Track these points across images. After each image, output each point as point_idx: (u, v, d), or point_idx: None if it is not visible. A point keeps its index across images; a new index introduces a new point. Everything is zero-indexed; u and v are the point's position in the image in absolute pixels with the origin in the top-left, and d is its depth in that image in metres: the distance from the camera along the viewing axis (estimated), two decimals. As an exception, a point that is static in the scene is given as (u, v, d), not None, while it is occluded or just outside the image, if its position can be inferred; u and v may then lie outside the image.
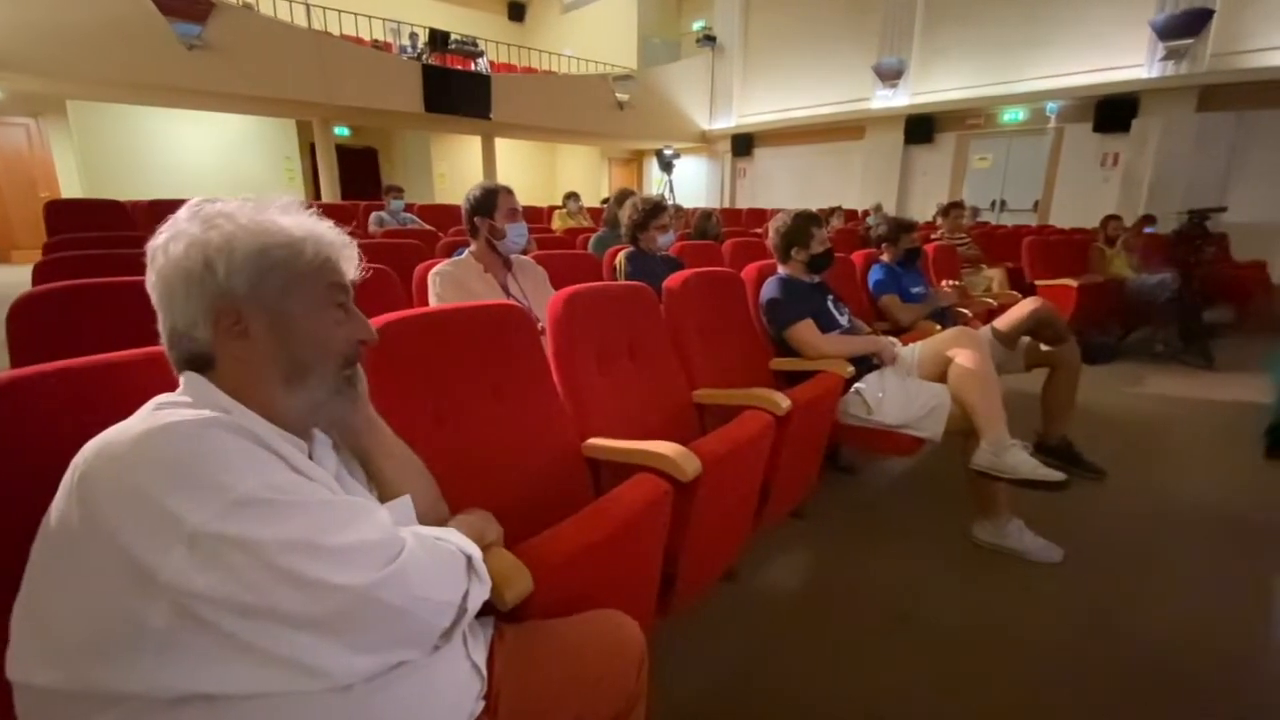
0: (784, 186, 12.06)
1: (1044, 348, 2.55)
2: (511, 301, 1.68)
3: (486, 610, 0.82)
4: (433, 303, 1.77)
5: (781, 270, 2.29)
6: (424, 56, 9.34)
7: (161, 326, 0.67)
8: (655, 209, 2.45)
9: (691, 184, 13.46)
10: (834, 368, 1.96)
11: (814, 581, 1.85)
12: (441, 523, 0.85)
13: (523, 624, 0.88)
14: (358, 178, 11.16)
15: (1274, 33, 7.14)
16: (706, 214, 4.14)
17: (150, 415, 0.57)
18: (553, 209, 6.76)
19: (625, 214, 2.50)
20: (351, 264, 0.75)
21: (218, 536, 0.51)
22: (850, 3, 10.68)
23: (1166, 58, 7.57)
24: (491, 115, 9.61)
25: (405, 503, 0.80)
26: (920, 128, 10.06)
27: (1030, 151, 9.19)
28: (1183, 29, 7.29)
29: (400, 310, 1.17)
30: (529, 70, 12.52)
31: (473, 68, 10.00)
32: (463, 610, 0.69)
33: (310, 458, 0.70)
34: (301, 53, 7.73)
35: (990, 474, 1.83)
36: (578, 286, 1.47)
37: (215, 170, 10.24)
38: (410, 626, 0.63)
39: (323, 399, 0.71)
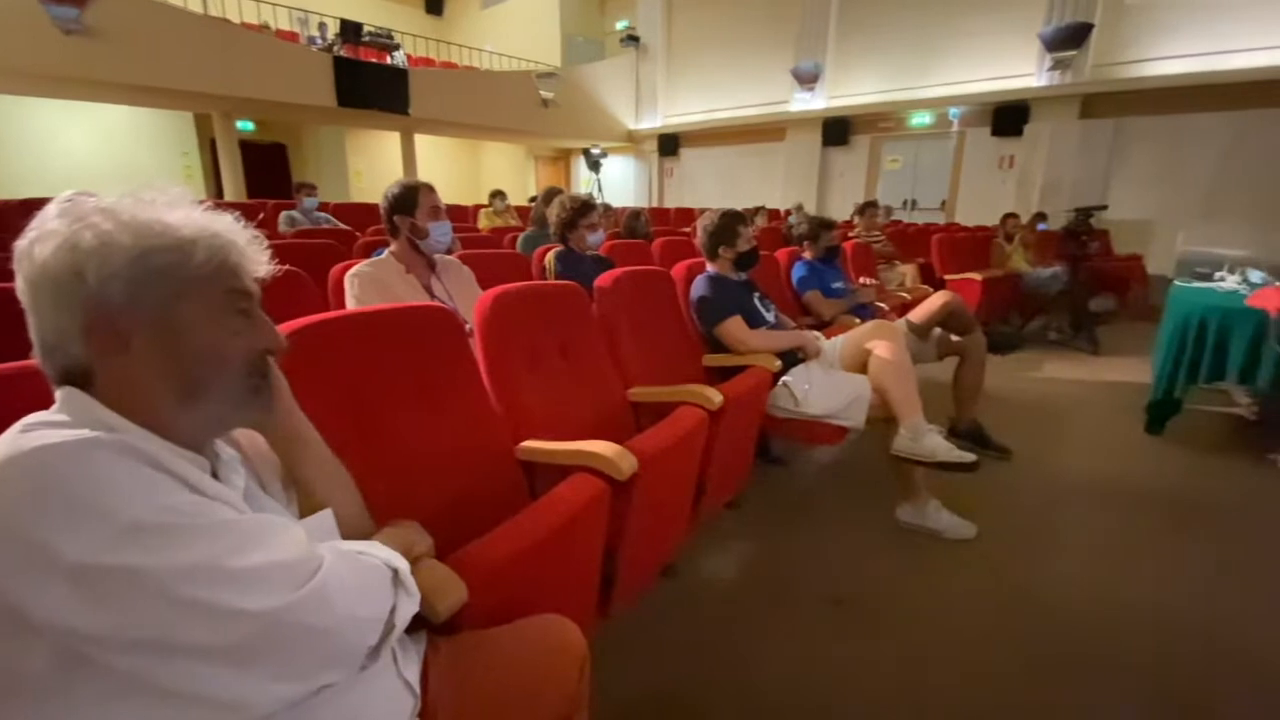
0: (710, 186, 12.29)
1: (954, 338, 2.71)
2: (437, 303, 1.62)
3: (419, 624, 0.78)
4: (351, 305, 1.68)
5: (710, 268, 2.32)
6: (335, 48, 8.88)
7: (33, 337, 0.60)
8: (584, 207, 2.43)
9: (619, 183, 13.50)
10: (762, 362, 2.01)
11: (751, 571, 1.90)
12: (367, 536, 0.81)
13: (458, 635, 0.85)
14: (265, 175, 10.48)
15: (1145, 47, 7.92)
16: (635, 213, 4.15)
17: (16, 438, 0.51)
18: (478, 207, 6.60)
19: (553, 213, 2.47)
20: (257, 264, 0.69)
21: (105, 569, 0.46)
22: (769, 7, 11.00)
23: (1054, 68, 8.23)
24: (410, 111, 9.27)
25: (325, 517, 0.75)
26: (837, 130, 10.49)
27: (937, 154, 9.78)
28: (1067, 41, 7.95)
29: (315, 314, 1.10)
30: (449, 65, 12.17)
31: (389, 61, 9.60)
32: (390, 626, 0.65)
33: (214, 475, 0.65)
34: (196, 40, 7.16)
35: (910, 458, 1.93)
36: (506, 286, 1.43)
37: (102, 167, 9.34)
38: (334, 647, 0.59)
39: (225, 413, 0.65)
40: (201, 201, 0.68)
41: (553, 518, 0.99)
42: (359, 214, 5.55)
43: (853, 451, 2.72)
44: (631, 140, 13.29)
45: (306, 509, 0.78)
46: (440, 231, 1.81)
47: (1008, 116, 8.82)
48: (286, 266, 1.96)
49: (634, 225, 4.00)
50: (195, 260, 0.62)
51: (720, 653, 1.53)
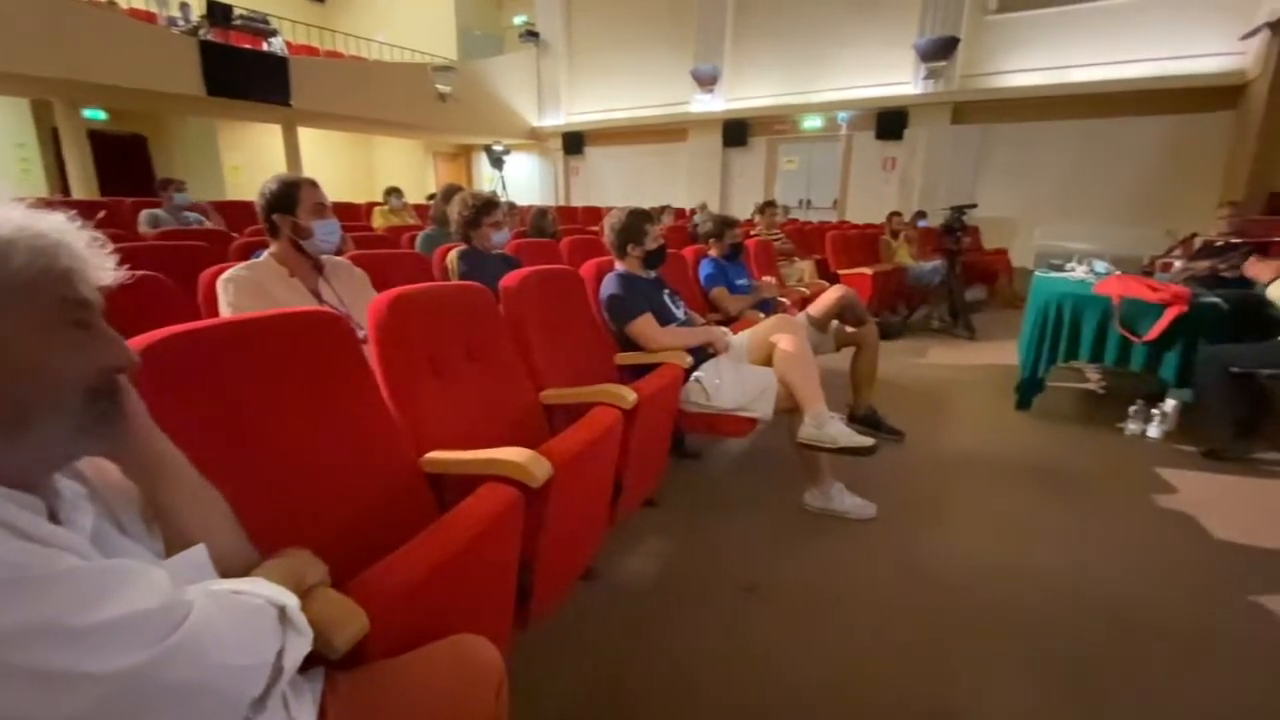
0: (616, 185, 12.33)
1: (849, 329, 2.86)
2: (325, 308, 1.50)
3: (316, 661, 0.71)
4: (225, 313, 1.52)
5: (619, 266, 2.32)
6: (201, 31, 8.10)
7: None
8: (487, 205, 2.34)
9: (524, 181, 13.25)
10: (674, 359, 2.03)
11: (671, 567, 1.90)
12: (248, 570, 0.72)
13: (361, 669, 0.78)
14: (122, 170, 9.37)
15: (1003, 60, 8.76)
16: (542, 211, 4.08)
17: None
18: (372, 205, 6.23)
19: (454, 210, 2.37)
20: (98, 269, 0.60)
21: None
22: (667, 10, 11.17)
23: (927, 77, 8.93)
24: (292, 102, 8.62)
25: (196, 554, 0.67)
26: (736, 132, 10.84)
27: (828, 155, 10.34)
28: (938, 53, 8.65)
29: (181, 324, 0.98)
30: (335, 55, 11.44)
31: (265, 47, 8.88)
32: (278, 671, 0.59)
33: (54, 518, 0.55)
34: (25, 18, 6.24)
35: (814, 445, 2.01)
36: (404, 288, 1.34)
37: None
38: (210, 703, 0.52)
39: (61, 444, 0.56)
40: (26, 199, 0.58)
41: (462, 532, 0.93)
42: (237, 213, 5.08)
43: (761, 442, 2.81)
44: (535, 138, 13.08)
45: (175, 545, 0.69)
46: (326, 230, 1.68)
47: (889, 121, 9.48)
48: (143, 272, 1.75)
49: (541, 224, 3.93)
50: (13, 265, 0.52)
51: (646, 651, 1.52)
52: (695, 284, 3.19)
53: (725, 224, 3.29)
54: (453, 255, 2.34)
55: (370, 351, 1.28)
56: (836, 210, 10.33)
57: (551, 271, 1.99)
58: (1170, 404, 2.87)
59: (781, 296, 3.44)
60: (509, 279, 1.77)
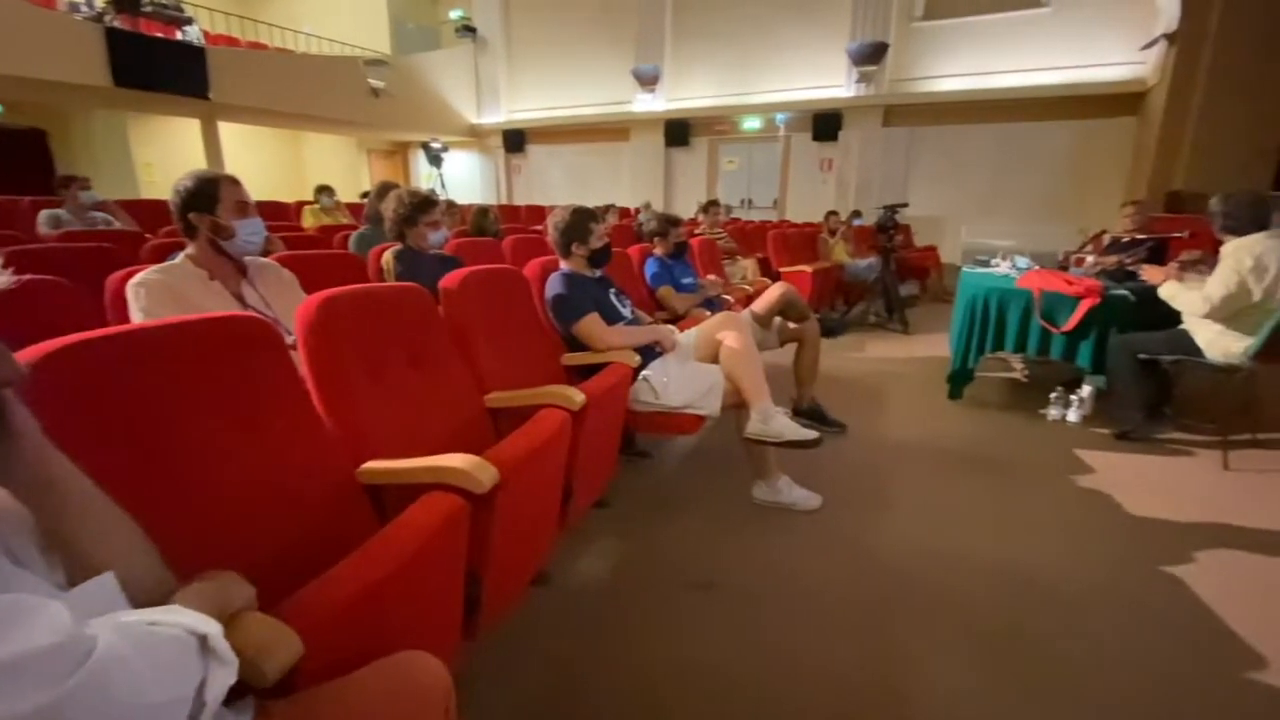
0: (560, 184, 12.23)
1: (792, 325, 2.92)
2: (249, 312, 1.41)
3: (247, 691, 0.66)
4: (137, 320, 1.41)
5: (564, 266, 2.28)
6: (107, 18, 7.53)
7: None
8: (424, 203, 2.27)
9: (464, 179, 12.97)
10: (622, 358, 2.01)
11: (624, 567, 1.89)
12: (166, 598, 0.67)
13: (296, 696, 0.73)
14: (19, 168, 8.60)
15: (929, 66, 9.17)
16: (483, 210, 3.99)
17: None
18: (302, 204, 5.95)
19: (389, 208, 2.28)
20: None
21: None
22: (606, 8, 11.15)
23: (859, 80, 9.25)
24: (211, 95, 8.14)
25: (102, 584, 0.61)
26: (678, 131, 10.93)
27: (768, 156, 10.56)
28: (869, 57, 8.97)
29: (83, 333, 0.89)
30: (258, 46, 10.86)
31: (178, 36, 8.35)
32: (200, 705, 0.54)
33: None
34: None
35: (761, 440, 2.04)
36: (335, 290, 1.28)
37: None
38: (120, 747, 0.47)
39: None
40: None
41: (402, 544, 0.89)
42: (150, 212, 4.74)
43: (709, 438, 2.84)
44: (475, 135, 12.81)
45: (79, 575, 0.63)
46: (250, 230, 1.58)
47: (825, 123, 9.77)
48: (41, 276, 1.61)
49: (482, 223, 3.84)
50: None
51: (602, 654, 1.51)
52: (642, 283, 3.19)
53: (670, 223, 3.31)
54: (388, 255, 2.25)
55: (299, 358, 1.21)
56: (777, 210, 10.57)
57: (494, 271, 1.94)
58: (1086, 390, 3.07)
59: (726, 294, 3.48)
60: (449, 279, 1.72)
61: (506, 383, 1.73)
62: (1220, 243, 2.67)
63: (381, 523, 1.15)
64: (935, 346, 4.57)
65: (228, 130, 9.75)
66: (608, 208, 7.35)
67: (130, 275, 1.50)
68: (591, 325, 2.11)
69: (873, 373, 4.07)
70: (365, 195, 5.45)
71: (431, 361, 1.51)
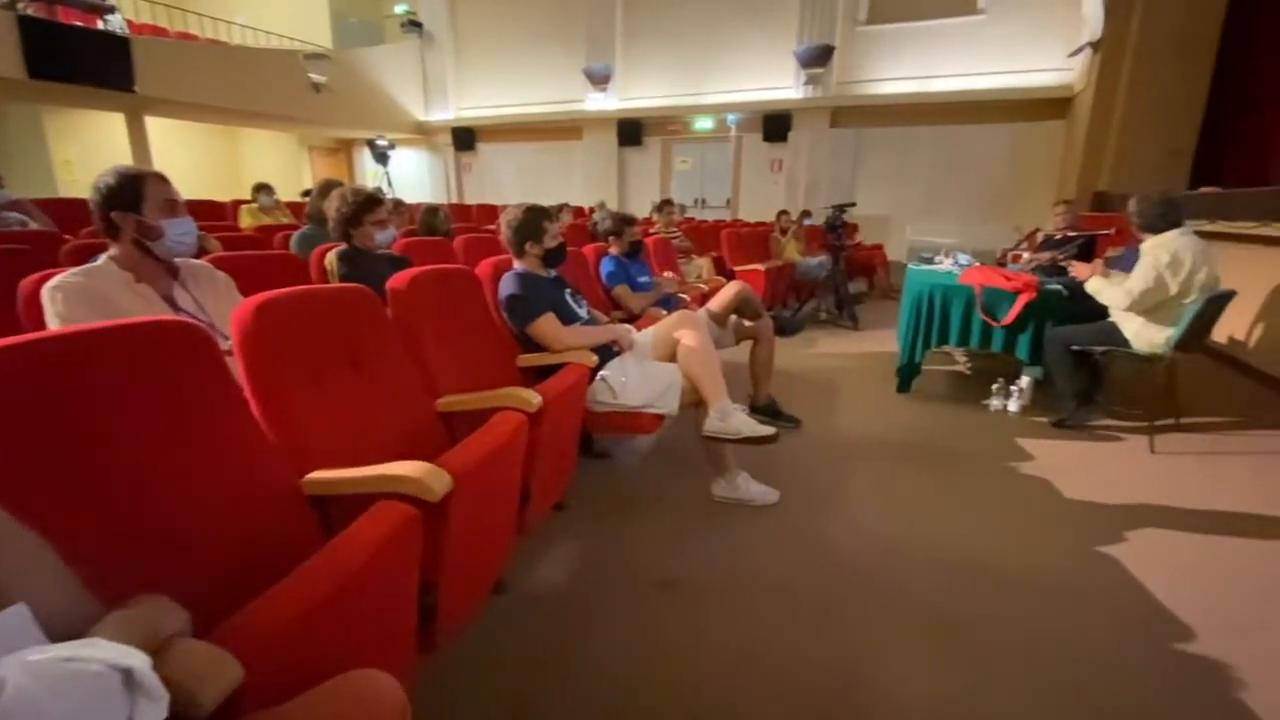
0: (512, 183, 12.07)
1: (747, 323, 2.95)
2: (181, 316, 1.33)
3: (181, 722, 0.62)
4: (54, 326, 1.31)
5: (518, 265, 2.24)
6: (20, 5, 7.01)
7: None
8: (368, 201, 2.19)
9: (413, 178, 12.66)
10: (579, 359, 1.99)
11: (584, 571, 1.87)
12: (86, 628, 0.61)
13: (237, 724, 0.69)
14: (-82, 163, 7.94)
15: (874, 69, 9.43)
16: (433, 209, 3.88)
17: None
18: (239, 203, 5.68)
19: (332, 207, 2.19)
20: None
21: None
22: (555, 6, 11.06)
23: (807, 82, 9.45)
24: (136, 88, 7.69)
25: (14, 616, 0.56)
26: (631, 131, 10.93)
27: (720, 156, 10.68)
28: (816, 60, 9.17)
29: (-13, 341, 0.82)
30: (188, 37, 10.32)
31: (99, 26, 7.85)
32: (127, 746, 0.50)
33: None
34: None
35: (719, 437, 2.05)
36: (271, 292, 1.21)
37: None
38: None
39: None
40: None
41: (349, 559, 0.85)
42: (69, 212, 4.44)
43: (669, 437, 2.84)
44: (423, 132, 12.51)
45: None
46: (180, 230, 1.49)
47: (775, 124, 9.94)
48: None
49: (432, 222, 3.74)
50: None
51: (566, 660, 1.48)
52: (598, 282, 3.17)
53: (624, 221, 3.29)
54: (331, 256, 2.17)
55: (236, 364, 1.15)
56: (730, 209, 10.70)
57: (444, 271, 1.88)
58: (1025, 381, 3.21)
59: (682, 293, 3.49)
60: (396, 279, 1.66)
61: (460, 386, 1.69)
62: (1140, 239, 2.84)
63: (329, 536, 1.11)
64: (884, 342, 4.70)
65: (156, 125, 9.24)
66: (561, 207, 7.29)
67: (46, 279, 1.39)
68: (547, 325, 2.08)
69: (825, 368, 4.16)
70: (306, 194, 5.24)
71: (379, 365, 1.46)
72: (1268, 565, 1.89)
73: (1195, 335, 2.74)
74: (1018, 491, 2.38)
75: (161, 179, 1.50)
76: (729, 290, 2.86)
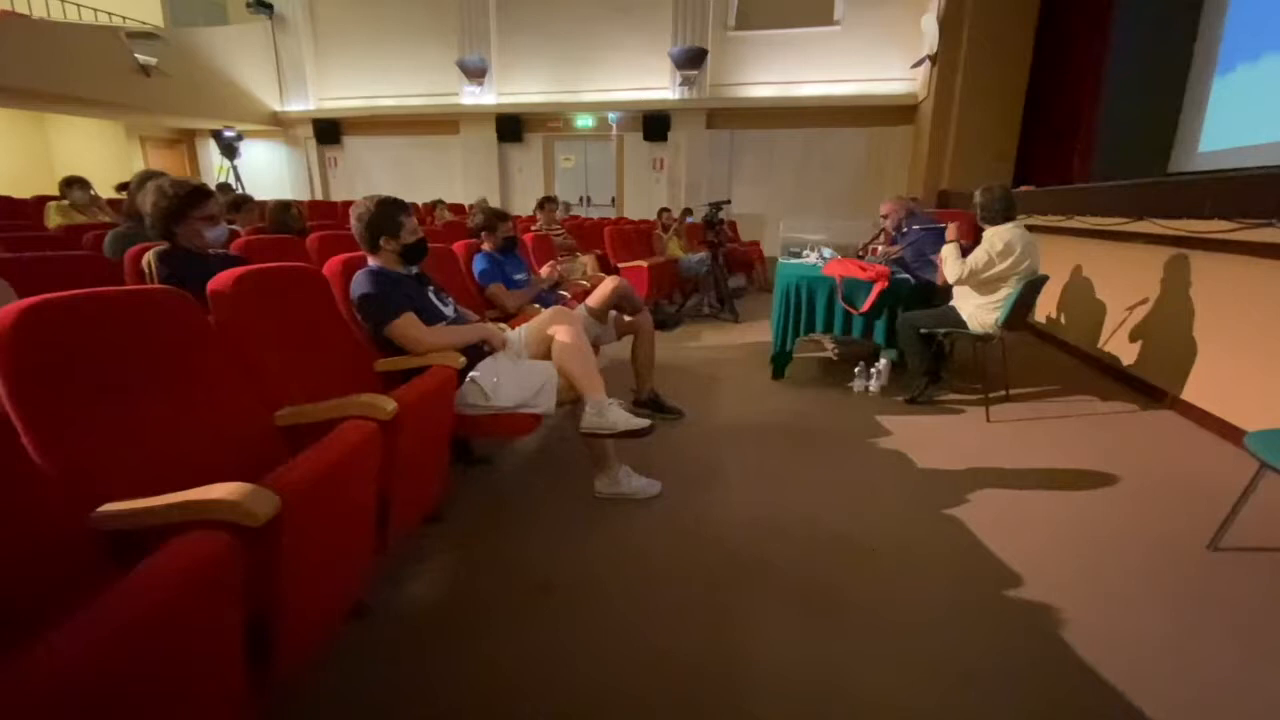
0: (383, 178, 11.38)
1: (626, 319, 2.96)
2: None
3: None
4: None
5: (372, 262, 2.09)
6: None
7: None
8: (194, 194, 1.94)
9: (269, 173, 11.60)
10: (445, 360, 1.88)
11: (460, 583, 1.77)
12: None
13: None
14: None
15: (744, 73, 9.85)
16: (284, 205, 3.55)
17: None
18: (45, 200, 4.90)
19: (148, 202, 1.92)
20: None
21: None
22: (423, -5, 10.56)
23: (683, 84, 9.68)
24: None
25: None
26: (511, 127, 10.67)
27: (603, 154, 10.70)
28: (690, 62, 9.42)
29: None
30: (-27, 5, 8.76)
31: None
32: None
33: None
34: None
35: (597, 433, 2.02)
36: (43, 296, 1.02)
37: None
38: None
39: None
40: None
41: (135, 603, 0.72)
42: None
43: (552, 437, 2.79)
44: (279, 124, 11.48)
45: None
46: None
47: (655, 124, 10.11)
48: None
49: (283, 218, 3.42)
50: None
51: (444, 681, 1.38)
52: (470, 280, 3.04)
53: (497, 217, 3.18)
54: (150, 256, 1.90)
55: (-6, 384, 0.95)
56: (615, 207, 10.75)
57: (281, 270, 1.70)
58: (882, 363, 3.47)
59: (564, 291, 3.44)
60: (217, 281, 1.47)
61: (306, 395, 1.53)
62: (981, 229, 3.17)
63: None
64: (761, 333, 4.91)
65: (-67, 108, 7.78)
66: (436, 203, 6.97)
67: None
68: (407, 326, 1.95)
69: (707, 360, 4.28)
70: (122, 188, 4.63)
71: (197, 378, 1.28)
72: (1082, 514, 2.17)
73: (1019, 315, 3.09)
74: (877, 465, 2.57)
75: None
76: (606, 286, 2.84)
